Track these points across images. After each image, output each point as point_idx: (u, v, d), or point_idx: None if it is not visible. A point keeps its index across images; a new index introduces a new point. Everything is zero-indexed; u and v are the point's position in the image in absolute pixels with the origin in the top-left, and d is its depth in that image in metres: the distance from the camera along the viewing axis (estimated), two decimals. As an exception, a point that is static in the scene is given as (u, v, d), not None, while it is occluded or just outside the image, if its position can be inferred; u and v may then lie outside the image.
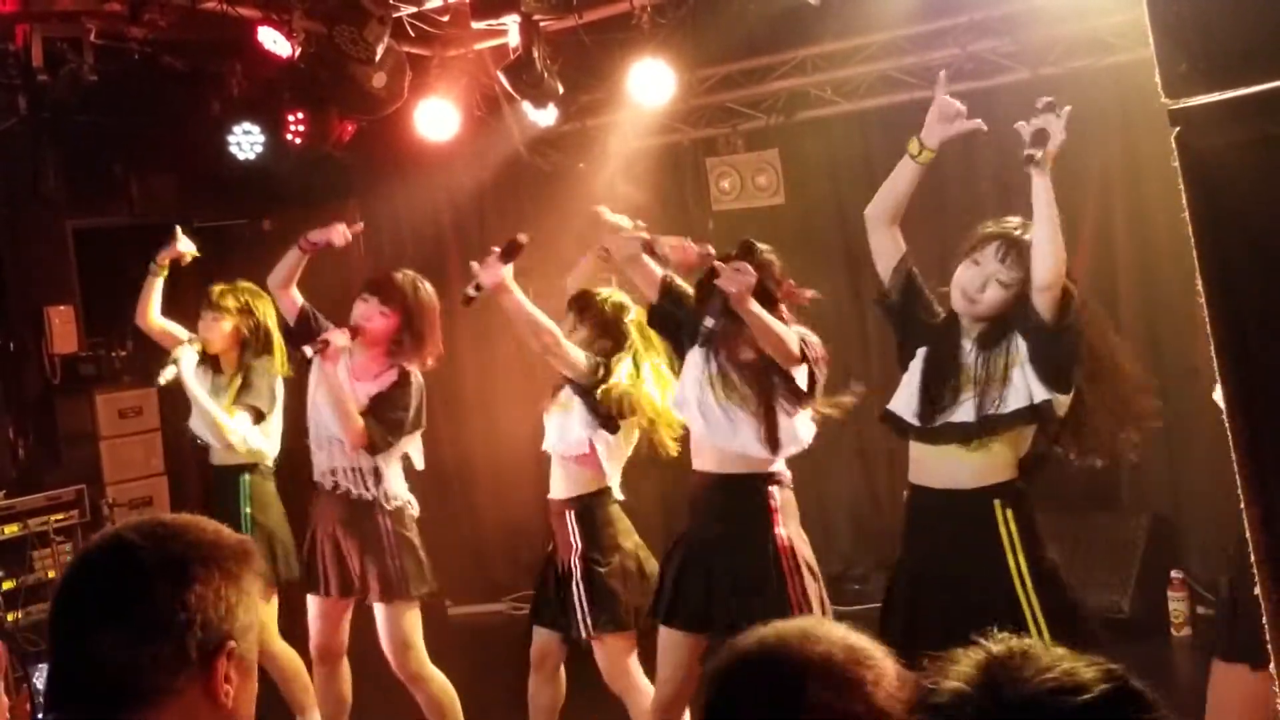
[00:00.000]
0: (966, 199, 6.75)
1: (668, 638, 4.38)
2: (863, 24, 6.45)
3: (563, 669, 4.96)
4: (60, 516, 6.71)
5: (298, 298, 5.17)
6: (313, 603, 5.12)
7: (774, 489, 4.25)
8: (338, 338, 4.86)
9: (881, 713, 1.54)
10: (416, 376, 5.02)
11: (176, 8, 5.63)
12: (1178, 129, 1.40)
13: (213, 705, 1.68)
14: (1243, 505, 1.37)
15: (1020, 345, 3.66)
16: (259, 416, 5.38)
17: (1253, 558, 1.37)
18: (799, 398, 4.19)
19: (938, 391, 3.76)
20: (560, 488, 4.78)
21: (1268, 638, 1.38)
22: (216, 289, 5.48)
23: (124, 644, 1.63)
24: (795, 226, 7.19)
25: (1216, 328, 1.39)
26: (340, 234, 5.19)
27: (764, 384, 4.18)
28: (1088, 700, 1.22)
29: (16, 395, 7.40)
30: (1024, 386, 3.64)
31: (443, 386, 8.28)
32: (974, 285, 3.72)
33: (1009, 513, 3.68)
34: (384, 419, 4.91)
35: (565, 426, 4.64)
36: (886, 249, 3.96)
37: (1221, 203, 1.38)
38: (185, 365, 5.38)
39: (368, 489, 4.97)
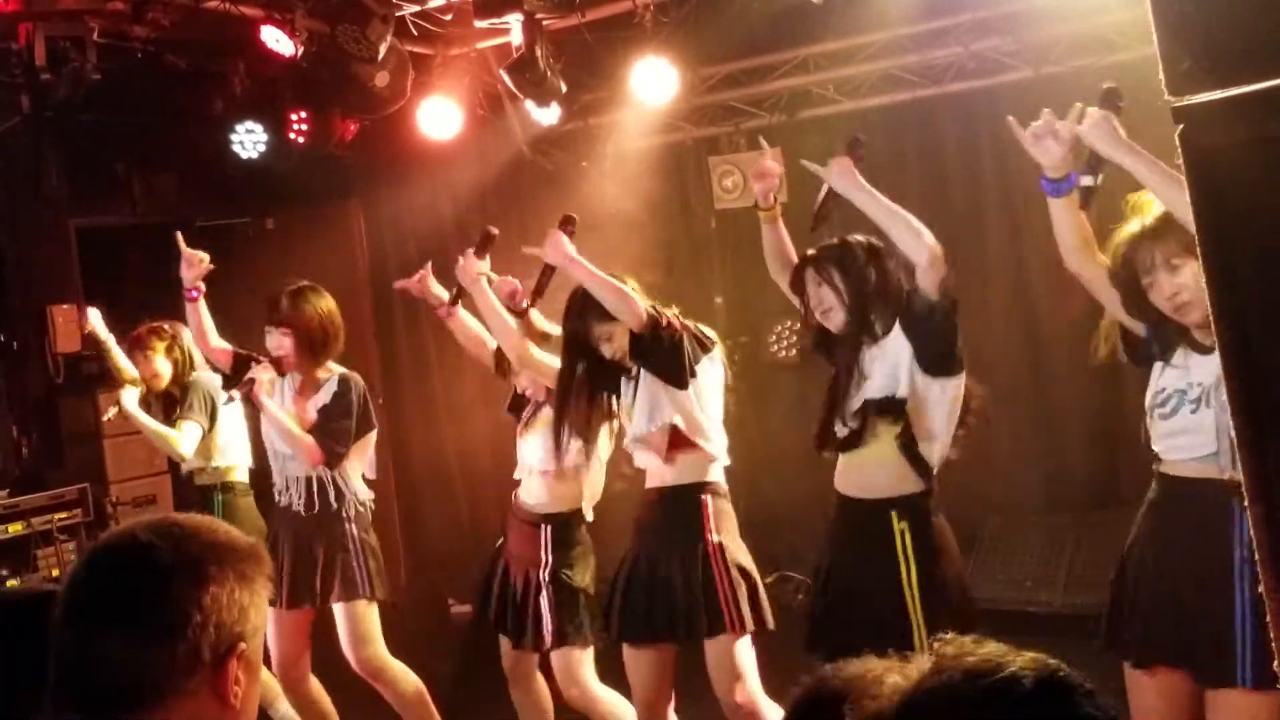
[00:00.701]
0: (970, 194, 6.76)
1: (629, 654, 4.48)
2: (865, 23, 6.44)
3: (539, 674, 5.01)
4: (64, 515, 6.71)
5: (224, 345, 5.39)
6: (271, 617, 5.14)
7: (707, 498, 4.35)
8: (262, 373, 5.06)
9: None
10: (356, 381, 5.18)
11: (179, 6, 5.64)
12: (1181, 127, 1.40)
13: (221, 706, 1.67)
14: (1246, 503, 1.37)
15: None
16: (201, 431, 5.58)
17: (1257, 556, 1.37)
18: (672, 377, 4.25)
19: None
20: (539, 500, 4.81)
21: (1271, 635, 1.38)
22: (141, 331, 5.80)
23: (138, 643, 1.63)
24: (798, 225, 7.18)
25: (1220, 325, 1.39)
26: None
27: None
28: (1010, 677, 1.22)
29: (19, 394, 7.41)
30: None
31: (445, 387, 8.33)
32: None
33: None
34: (330, 431, 5.06)
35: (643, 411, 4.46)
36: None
37: (1225, 201, 1.38)
38: (127, 402, 5.72)
39: (330, 499, 5.07)
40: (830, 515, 4.11)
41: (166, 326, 5.79)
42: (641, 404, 4.32)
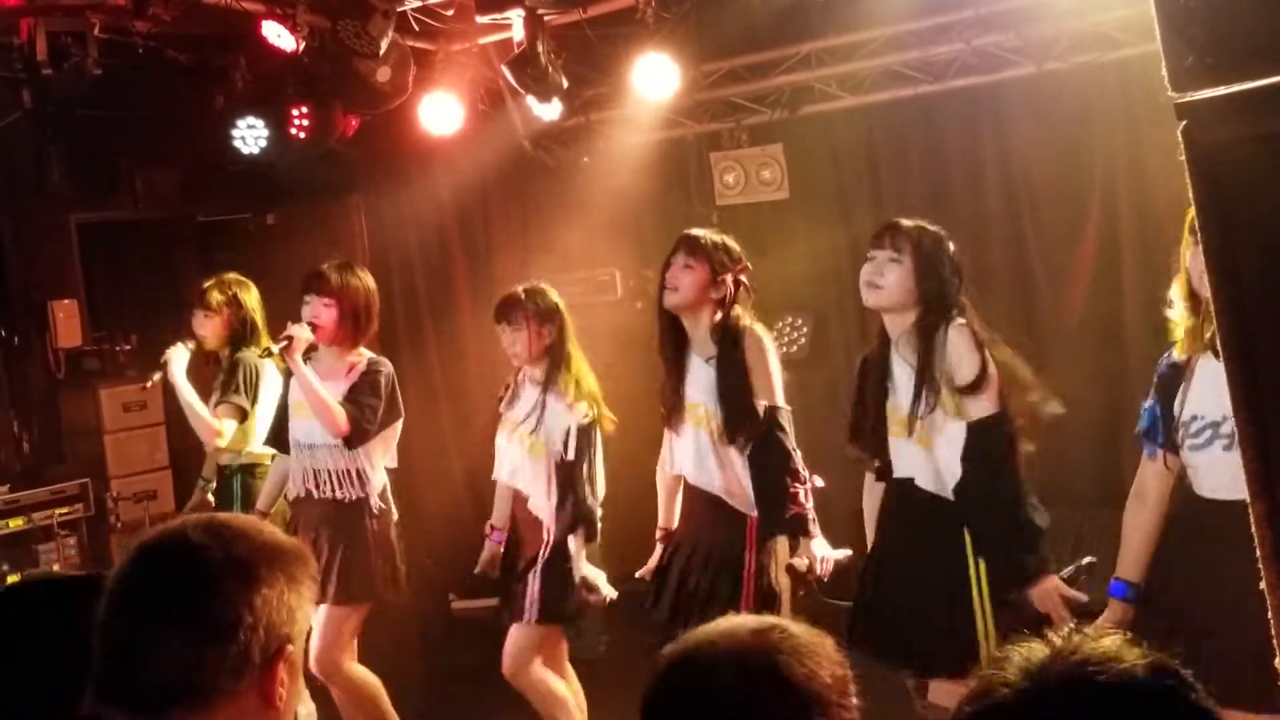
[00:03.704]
0: (972, 190, 6.76)
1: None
2: (867, 18, 6.44)
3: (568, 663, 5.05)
4: (64, 510, 6.72)
5: None
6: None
7: (753, 516, 4.37)
8: (300, 331, 4.91)
9: (808, 689, 1.56)
10: (385, 365, 5.08)
11: (180, 1, 5.63)
12: (1184, 123, 1.39)
13: (266, 706, 1.67)
14: (1249, 500, 1.37)
15: None
16: (242, 415, 5.44)
17: (1259, 553, 1.37)
18: None
19: None
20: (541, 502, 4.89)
21: (1273, 631, 1.37)
22: (205, 285, 5.60)
23: (189, 644, 1.62)
24: (799, 221, 7.19)
25: (1223, 321, 1.39)
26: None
27: None
28: (1127, 670, 1.23)
29: (21, 389, 7.41)
30: None
31: (448, 385, 8.33)
32: None
33: None
34: (360, 406, 4.94)
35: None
36: None
37: (1228, 197, 1.38)
38: (175, 366, 5.52)
39: (354, 490, 4.99)
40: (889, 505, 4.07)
41: (231, 281, 5.63)
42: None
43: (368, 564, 4.95)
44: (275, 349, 4.97)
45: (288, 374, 5.10)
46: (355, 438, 4.91)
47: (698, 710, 1.57)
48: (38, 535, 6.50)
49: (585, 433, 4.77)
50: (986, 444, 3.76)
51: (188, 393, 5.45)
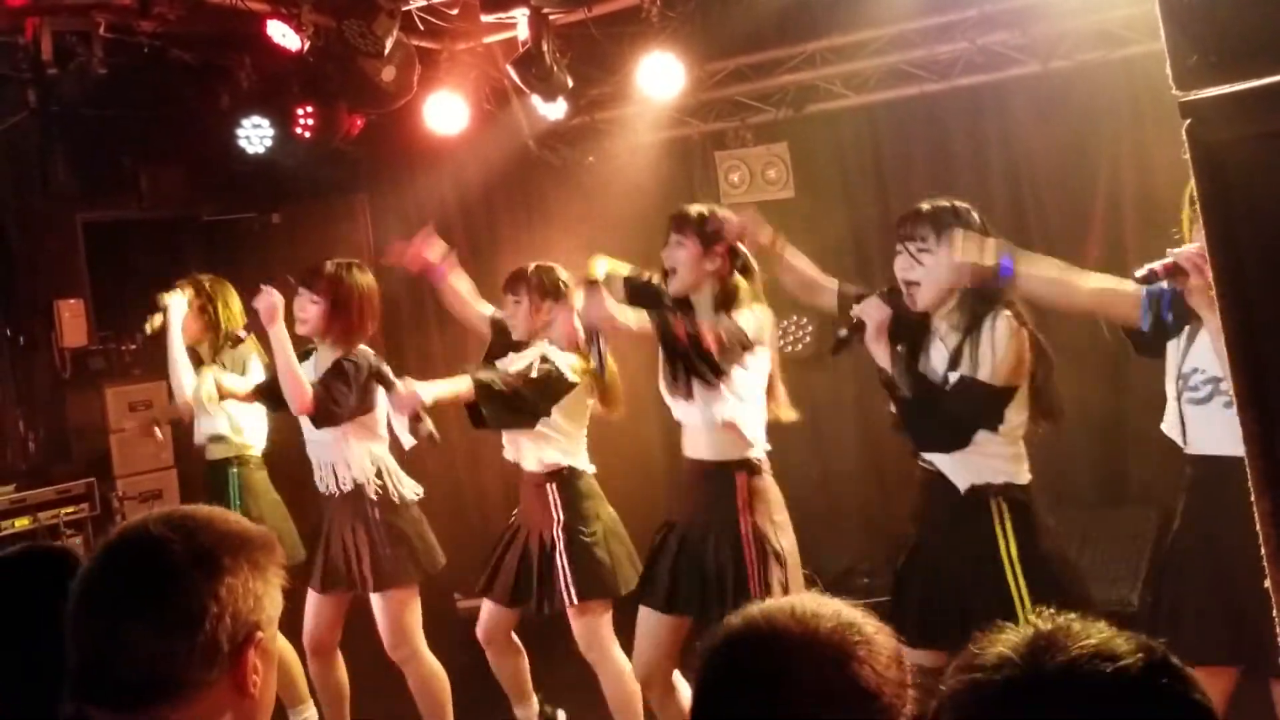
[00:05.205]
0: (976, 189, 6.74)
1: (644, 614, 4.51)
2: (872, 17, 6.44)
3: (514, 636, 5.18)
4: (70, 510, 6.73)
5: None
6: (309, 597, 5.19)
7: (743, 476, 4.33)
8: (273, 298, 4.94)
9: (870, 689, 1.55)
10: (365, 359, 5.05)
11: (185, 1, 5.64)
12: (1188, 121, 1.39)
13: (240, 695, 1.69)
14: (1253, 498, 1.37)
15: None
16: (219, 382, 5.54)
17: (1263, 551, 1.37)
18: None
19: None
20: (534, 461, 4.94)
21: (1277, 631, 1.37)
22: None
23: (156, 636, 1.63)
24: (804, 219, 7.18)
25: (1228, 319, 1.39)
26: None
27: None
28: (1122, 667, 1.23)
29: (26, 389, 7.42)
30: None
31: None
32: None
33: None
34: (327, 385, 4.95)
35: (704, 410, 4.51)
36: None
37: (1233, 195, 1.38)
38: (174, 314, 5.60)
39: (349, 483, 5.04)
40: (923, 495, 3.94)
41: (206, 281, 5.75)
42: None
43: (384, 550, 5.00)
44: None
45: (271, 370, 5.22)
46: (321, 416, 4.93)
47: (765, 696, 1.56)
48: (44, 535, 6.51)
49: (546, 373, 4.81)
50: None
51: (177, 345, 5.54)
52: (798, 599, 1.64)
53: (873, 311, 3.76)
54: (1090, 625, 1.30)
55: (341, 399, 4.93)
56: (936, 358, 3.78)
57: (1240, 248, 1.38)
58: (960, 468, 3.74)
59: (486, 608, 5.09)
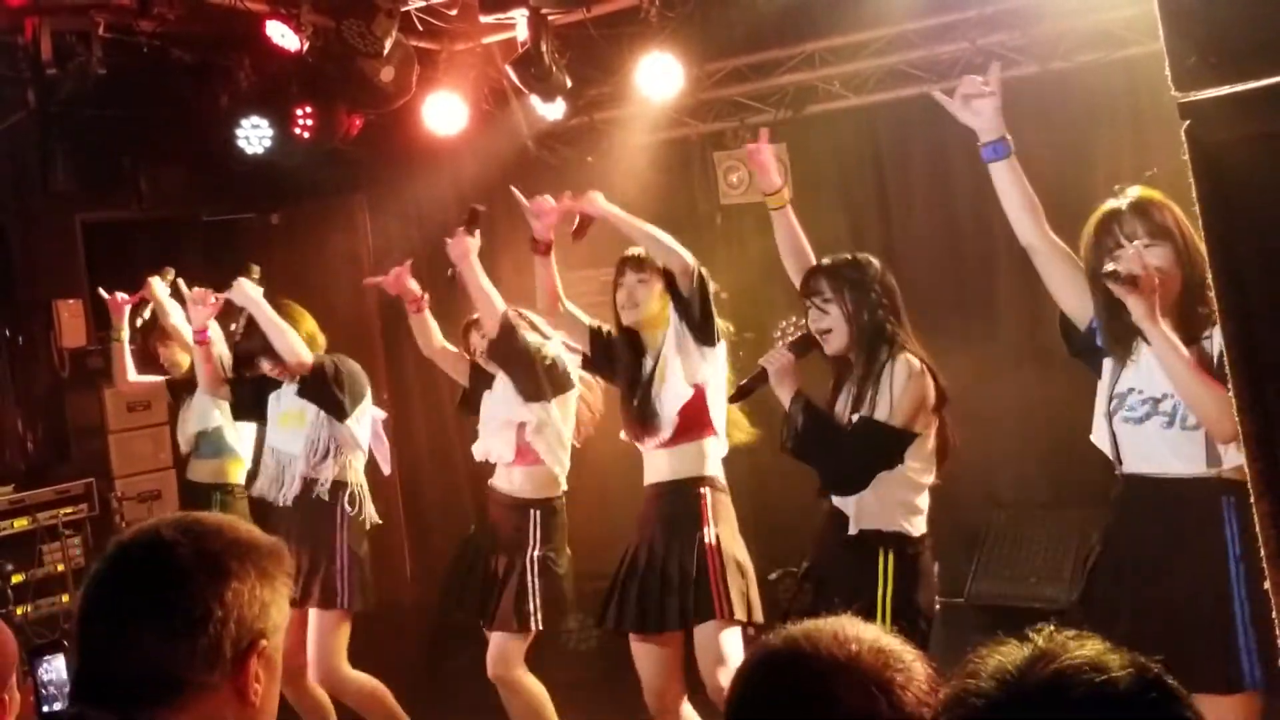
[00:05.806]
0: (976, 189, 6.73)
1: (635, 645, 4.61)
2: (871, 18, 6.43)
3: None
4: (69, 510, 6.72)
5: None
6: None
7: (706, 491, 4.51)
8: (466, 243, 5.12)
9: (909, 716, 1.54)
10: (338, 363, 5.24)
11: (185, 1, 5.64)
12: (1187, 122, 1.39)
13: (242, 703, 1.69)
14: (1253, 499, 1.36)
15: None
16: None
17: (1263, 552, 1.37)
18: None
19: None
20: (524, 487, 5.01)
21: (1277, 631, 1.37)
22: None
23: (161, 639, 1.64)
24: (803, 220, 7.15)
25: (1226, 321, 1.39)
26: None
27: None
28: (1110, 679, 1.23)
29: (25, 389, 7.41)
30: None
31: (451, 384, 8.28)
32: None
33: None
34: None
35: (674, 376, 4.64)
36: None
37: (1231, 196, 1.38)
38: (157, 291, 6.01)
39: (324, 501, 5.12)
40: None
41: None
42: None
43: (344, 574, 5.11)
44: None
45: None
46: (313, 379, 5.13)
47: (802, 716, 1.56)
48: (43, 535, 6.50)
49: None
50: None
51: (175, 312, 5.81)
52: (837, 622, 1.64)
53: (775, 360, 4.05)
54: (1086, 641, 1.30)
55: (339, 379, 5.16)
56: (841, 401, 3.98)
57: (1240, 249, 1.37)
58: (857, 509, 3.87)
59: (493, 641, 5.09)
